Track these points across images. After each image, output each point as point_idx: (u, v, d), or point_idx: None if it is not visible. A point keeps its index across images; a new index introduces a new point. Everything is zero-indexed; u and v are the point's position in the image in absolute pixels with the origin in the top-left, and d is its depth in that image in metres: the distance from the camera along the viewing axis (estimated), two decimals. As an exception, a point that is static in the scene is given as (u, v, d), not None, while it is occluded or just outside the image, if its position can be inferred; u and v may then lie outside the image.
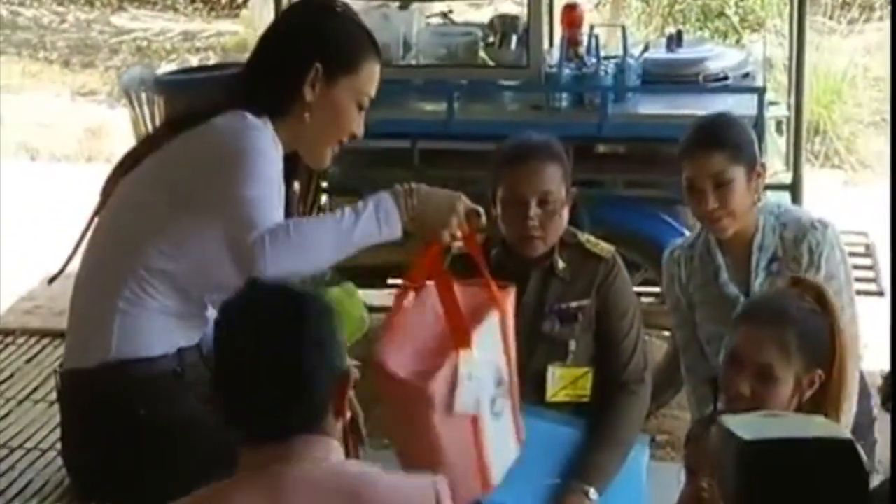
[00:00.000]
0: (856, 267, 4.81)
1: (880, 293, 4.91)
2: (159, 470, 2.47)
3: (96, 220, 2.57)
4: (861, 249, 5.30)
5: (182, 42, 11.35)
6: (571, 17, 4.96)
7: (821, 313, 2.65)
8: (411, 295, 2.56)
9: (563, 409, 3.06)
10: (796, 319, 2.61)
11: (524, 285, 3.06)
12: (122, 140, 6.80)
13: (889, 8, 9.76)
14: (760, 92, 4.67)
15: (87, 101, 10.03)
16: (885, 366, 4.09)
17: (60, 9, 12.35)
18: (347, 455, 2.56)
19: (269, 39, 2.64)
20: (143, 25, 11.84)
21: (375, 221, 2.41)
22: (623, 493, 3.04)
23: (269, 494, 1.95)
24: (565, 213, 3.08)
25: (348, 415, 2.58)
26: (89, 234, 2.57)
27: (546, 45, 5.18)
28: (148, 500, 2.47)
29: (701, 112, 4.46)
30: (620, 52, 4.97)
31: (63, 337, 3.39)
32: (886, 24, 9.80)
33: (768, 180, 4.10)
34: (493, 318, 2.59)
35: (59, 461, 2.78)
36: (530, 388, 2.92)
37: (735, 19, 9.68)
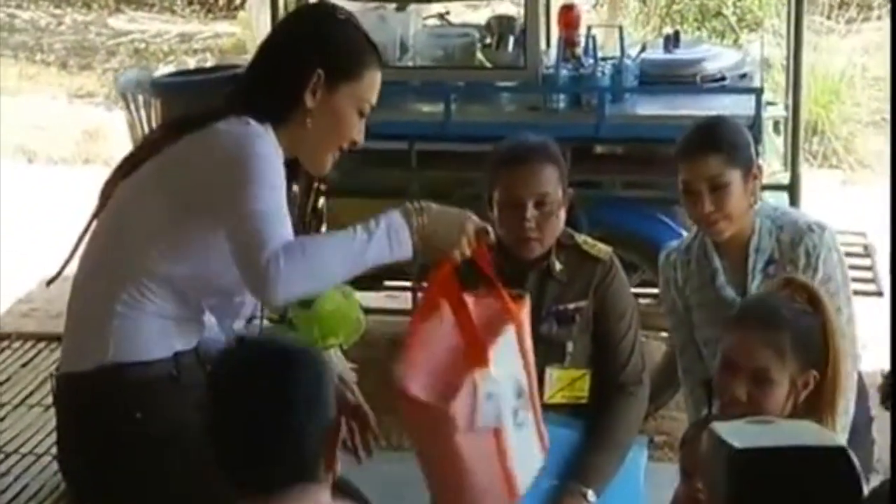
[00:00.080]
0: (854, 267, 4.81)
1: (879, 293, 4.91)
2: (155, 474, 2.47)
3: (95, 223, 2.56)
4: (859, 250, 5.30)
5: (179, 44, 11.34)
6: (568, 17, 4.96)
7: (813, 313, 2.64)
8: (426, 314, 2.57)
9: (561, 410, 3.05)
10: (789, 321, 2.60)
11: (521, 288, 3.05)
12: (120, 142, 6.79)
13: (887, 7, 9.78)
14: (758, 92, 4.67)
15: (85, 104, 10.02)
16: (884, 366, 4.09)
17: (57, 11, 12.34)
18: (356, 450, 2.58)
19: (271, 45, 2.63)
20: (141, 27, 11.83)
21: (387, 241, 2.41)
22: (621, 494, 3.04)
23: None
24: (562, 215, 3.07)
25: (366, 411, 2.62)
26: (87, 237, 2.57)
27: (543, 46, 5.18)
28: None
29: (698, 113, 4.48)
30: (618, 53, 4.97)
31: (59, 341, 3.39)
32: (884, 23, 9.80)
33: (766, 180, 4.11)
34: (509, 332, 2.60)
35: (55, 466, 2.77)
36: (528, 390, 2.91)
37: (733, 19, 9.67)
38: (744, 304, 2.85)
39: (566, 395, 3.06)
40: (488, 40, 5.20)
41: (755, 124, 4.52)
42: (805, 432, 1.90)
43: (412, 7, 5.42)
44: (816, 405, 2.60)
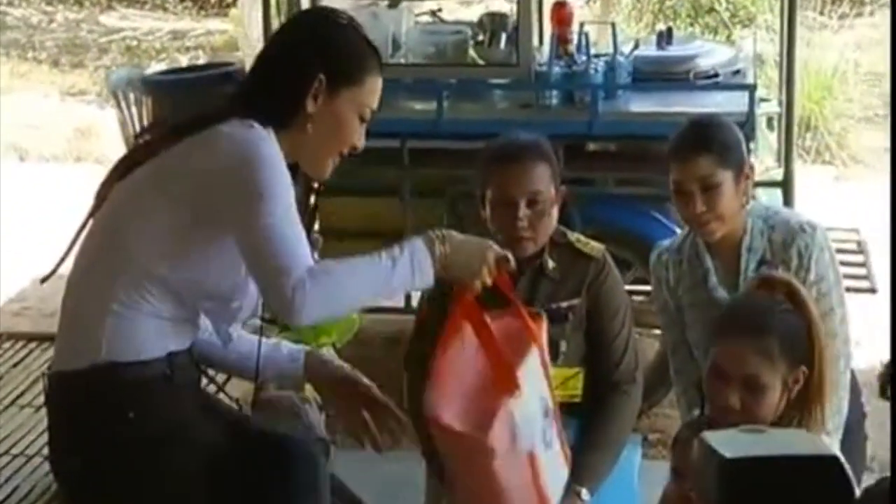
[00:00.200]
0: (847, 264, 4.82)
1: (872, 290, 4.91)
2: (149, 474, 2.45)
3: (91, 222, 2.55)
4: (853, 246, 5.29)
5: (171, 41, 11.32)
6: (561, 14, 4.95)
7: (795, 310, 2.63)
8: (451, 341, 2.58)
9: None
10: (775, 324, 2.59)
11: (514, 286, 3.04)
12: (112, 140, 6.79)
13: (879, 3, 9.78)
14: (751, 89, 4.66)
15: (77, 102, 10.01)
16: (878, 363, 4.10)
17: (49, 8, 12.31)
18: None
19: (272, 50, 2.62)
20: (133, 25, 11.81)
21: (410, 270, 2.43)
22: (615, 492, 3.03)
23: None
24: (555, 213, 3.06)
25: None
26: (83, 235, 2.55)
27: (536, 43, 5.17)
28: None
29: (692, 110, 4.47)
30: (610, 50, 4.96)
31: (51, 341, 3.38)
32: (877, 19, 9.81)
33: (760, 177, 4.10)
34: (533, 353, 2.63)
35: (46, 467, 2.76)
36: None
37: (725, 15, 9.67)
38: (728, 311, 2.82)
39: (560, 393, 3.04)
40: (481, 37, 5.19)
41: (749, 121, 4.51)
42: (798, 441, 1.89)
43: (404, 4, 5.41)
44: (805, 398, 2.60)
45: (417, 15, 5.58)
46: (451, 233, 2.51)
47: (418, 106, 4.92)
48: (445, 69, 5.06)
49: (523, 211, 2.99)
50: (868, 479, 3.38)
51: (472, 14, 6.80)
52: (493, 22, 5.22)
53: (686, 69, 5.01)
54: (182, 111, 5.41)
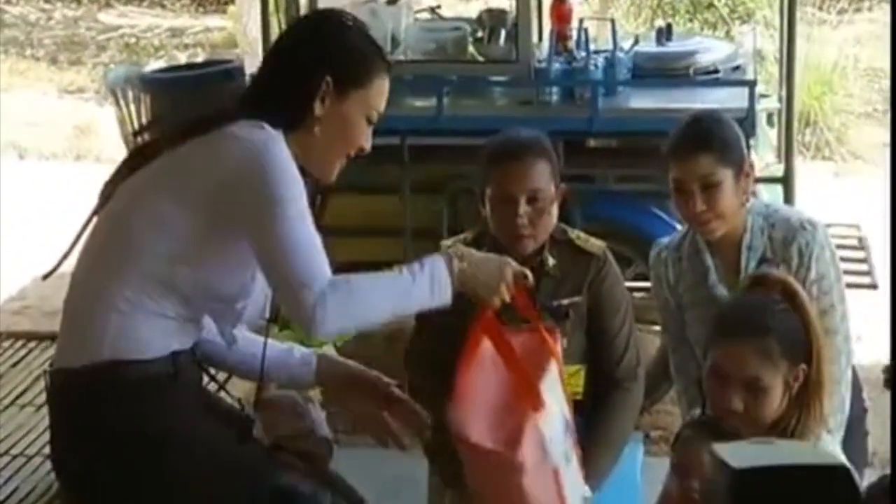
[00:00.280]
0: (848, 260, 4.82)
1: (873, 286, 4.90)
2: (150, 473, 2.45)
3: (95, 219, 2.54)
4: (853, 242, 5.29)
5: (170, 38, 11.31)
6: (560, 10, 4.94)
7: (792, 309, 2.62)
8: (472, 359, 2.59)
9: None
10: (773, 324, 2.58)
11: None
12: (111, 138, 6.77)
13: (879, -2, 9.77)
14: (751, 85, 4.65)
15: (75, 99, 10.00)
16: (880, 359, 4.10)
17: (47, 6, 12.30)
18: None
19: (280, 52, 2.61)
20: (131, 22, 11.80)
21: (429, 288, 2.45)
22: (618, 489, 3.03)
23: None
24: (555, 210, 3.06)
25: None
26: (88, 233, 2.54)
27: (535, 39, 5.16)
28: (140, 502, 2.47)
29: (692, 106, 4.46)
30: (610, 46, 4.95)
31: (51, 339, 3.38)
32: (876, 14, 9.81)
33: (760, 173, 4.09)
34: (552, 368, 2.64)
35: (46, 467, 2.75)
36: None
37: (724, 11, 9.66)
38: (725, 312, 2.81)
39: (575, 391, 3.05)
40: (480, 34, 5.18)
41: (749, 117, 4.51)
42: (805, 451, 1.89)
43: (403, 1, 5.40)
44: (805, 396, 2.59)
45: (416, 12, 5.58)
46: (469, 250, 2.55)
47: (418, 103, 4.91)
48: (445, 66, 5.05)
49: (523, 208, 2.99)
50: (869, 475, 3.40)
51: (472, 10, 6.80)
52: (493, 18, 5.21)
53: (686, 65, 5.01)
54: (181, 109, 5.45)
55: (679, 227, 3.55)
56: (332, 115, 2.51)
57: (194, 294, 2.47)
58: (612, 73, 4.81)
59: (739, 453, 1.77)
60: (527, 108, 4.83)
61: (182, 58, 9.89)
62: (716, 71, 5.03)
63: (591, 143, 4.97)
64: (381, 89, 2.57)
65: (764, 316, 2.60)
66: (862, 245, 5.29)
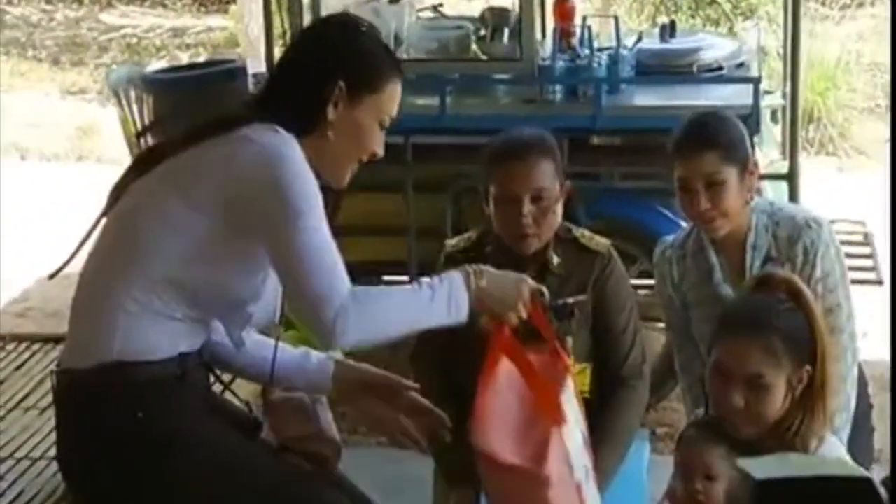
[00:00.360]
0: (854, 256, 4.81)
1: (879, 282, 4.90)
2: (156, 475, 2.44)
3: (105, 219, 2.53)
4: (859, 238, 5.28)
5: (171, 38, 11.31)
6: (563, 8, 4.93)
7: (796, 307, 2.61)
8: (491, 377, 2.60)
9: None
10: (778, 323, 2.57)
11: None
12: (113, 139, 6.77)
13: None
14: (755, 82, 4.64)
15: (77, 100, 10.00)
16: (884, 355, 4.09)
17: (49, 7, 12.30)
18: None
19: (293, 57, 2.62)
20: (133, 22, 11.80)
21: (447, 305, 2.47)
22: (624, 487, 3.02)
23: None
24: (559, 209, 3.05)
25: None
26: (97, 232, 2.54)
27: (538, 37, 5.15)
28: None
29: (696, 103, 4.46)
30: (613, 43, 4.94)
31: (55, 342, 3.37)
32: (878, 9, 9.80)
33: (764, 170, 4.08)
34: (569, 384, 2.65)
35: (51, 470, 2.75)
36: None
37: (727, 7, 9.65)
38: (729, 310, 2.81)
39: (582, 389, 3.04)
40: (483, 32, 5.17)
41: (753, 114, 4.50)
42: (828, 463, 1.90)
43: (406, 0, 5.39)
44: (808, 398, 2.57)
45: (419, 10, 5.57)
46: (486, 268, 2.55)
47: (421, 101, 4.90)
48: (448, 64, 5.05)
49: (527, 207, 2.98)
50: (876, 472, 3.39)
51: (474, 9, 6.78)
52: (496, 16, 5.20)
53: (689, 62, 5.00)
54: (184, 109, 5.45)
55: (683, 224, 3.54)
56: (344, 120, 2.52)
57: (204, 296, 2.47)
58: (615, 71, 4.80)
59: (762, 465, 1.79)
60: (530, 107, 4.82)
61: (184, 58, 9.91)
62: (720, 68, 5.02)
63: (595, 140, 4.96)
64: (393, 94, 2.58)
65: (769, 314, 2.59)
66: (867, 241, 5.28)
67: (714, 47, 5.19)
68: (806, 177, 4.92)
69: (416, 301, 2.46)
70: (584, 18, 4.98)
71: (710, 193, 3.02)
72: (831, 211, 4.99)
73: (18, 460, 2.82)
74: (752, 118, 4.43)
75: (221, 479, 2.47)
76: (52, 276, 2.62)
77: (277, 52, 4.97)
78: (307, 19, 5.08)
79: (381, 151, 2.60)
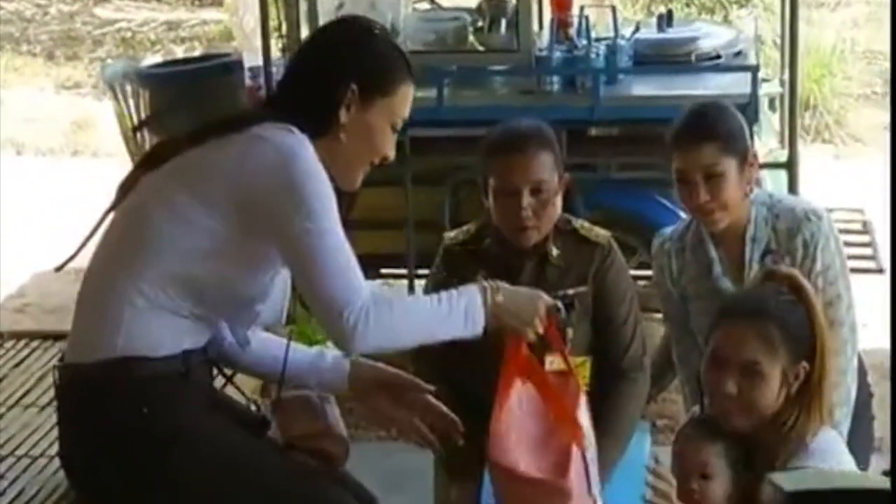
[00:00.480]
0: (853, 244, 4.81)
1: (879, 270, 4.90)
2: (159, 471, 2.44)
3: (112, 214, 2.53)
4: (858, 227, 5.28)
5: (166, 32, 11.27)
6: (560, -2, 4.92)
7: (798, 303, 2.60)
8: (507, 392, 2.62)
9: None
10: (777, 313, 2.57)
11: (518, 275, 3.02)
12: (109, 133, 6.76)
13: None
14: (754, 70, 4.64)
15: (72, 94, 9.98)
16: (884, 344, 4.09)
17: (42, 1, 12.26)
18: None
19: (305, 59, 2.61)
20: (127, 16, 11.76)
21: (463, 319, 2.49)
22: (625, 480, 3.01)
23: None
24: (558, 201, 3.04)
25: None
26: (104, 227, 2.53)
27: (536, 27, 5.14)
28: (148, 501, 2.46)
29: (694, 92, 4.46)
30: (611, 34, 4.93)
31: (54, 339, 3.36)
32: (874, -4, 9.79)
33: (763, 159, 4.08)
34: (582, 402, 2.67)
35: (52, 468, 2.74)
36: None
37: (722, -5, 9.64)
38: (730, 299, 2.82)
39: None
40: (480, 23, 5.16)
41: (752, 102, 4.49)
42: (857, 477, 1.92)
43: (401, -9, 5.38)
44: (805, 394, 2.57)
45: (415, 2, 5.56)
46: (503, 285, 2.57)
47: (418, 93, 4.83)
48: (445, 56, 5.04)
49: (527, 200, 2.97)
50: (876, 461, 3.39)
51: (471, 0, 6.77)
52: (493, 7, 5.19)
53: (687, 51, 5.00)
54: (180, 103, 5.43)
55: (682, 215, 3.54)
56: (356, 123, 2.51)
57: (211, 293, 2.46)
58: (613, 61, 4.80)
59: (792, 478, 1.85)
60: (528, 98, 4.82)
61: (179, 51, 9.89)
62: (717, 57, 5.02)
63: (593, 131, 4.96)
64: (405, 97, 2.58)
65: (768, 303, 2.59)
66: (866, 229, 5.29)
67: (711, 36, 5.19)
68: (803, 165, 4.92)
69: (434, 313, 2.48)
70: (581, 9, 4.98)
71: (710, 186, 3.01)
72: (829, 199, 4.99)
73: (19, 458, 2.82)
74: (750, 107, 4.43)
75: (224, 476, 2.47)
76: (58, 269, 2.62)
77: (273, 45, 4.96)
78: (303, 11, 5.07)
79: (392, 155, 2.60)
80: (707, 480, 2.54)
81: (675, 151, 3.06)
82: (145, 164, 2.55)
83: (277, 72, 4.93)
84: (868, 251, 5.06)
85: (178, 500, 2.47)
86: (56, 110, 9.37)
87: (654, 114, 4.49)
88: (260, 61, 4.99)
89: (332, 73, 2.50)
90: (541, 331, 2.60)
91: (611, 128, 4.99)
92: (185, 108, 5.16)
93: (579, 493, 2.53)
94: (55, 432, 2.68)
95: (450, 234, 3.21)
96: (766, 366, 2.53)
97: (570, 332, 3.03)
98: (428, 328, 2.49)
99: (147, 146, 5.34)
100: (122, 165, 5.53)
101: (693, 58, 4.98)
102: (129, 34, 11.31)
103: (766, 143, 4.96)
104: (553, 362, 2.97)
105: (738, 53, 5.11)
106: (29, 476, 2.72)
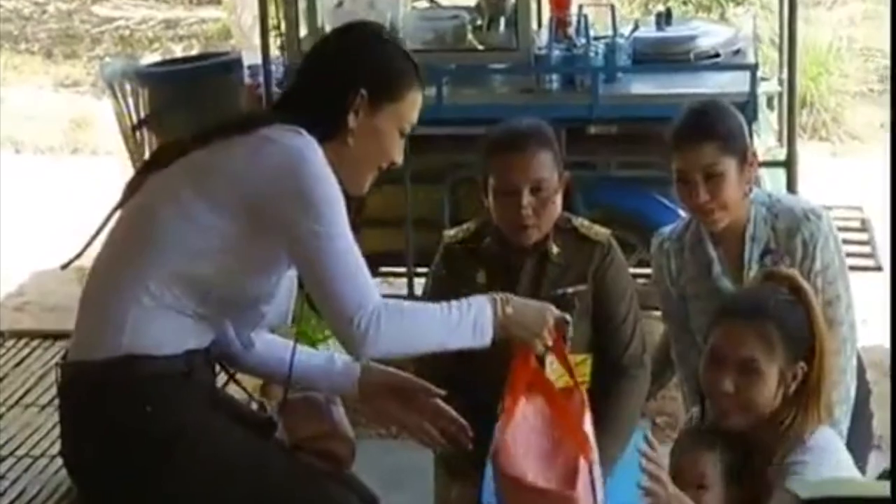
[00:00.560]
0: (852, 242, 4.81)
1: (878, 268, 4.90)
2: (161, 469, 2.44)
3: (119, 212, 2.53)
4: (856, 224, 5.29)
5: (164, 30, 11.27)
6: (559, -3, 4.92)
7: (797, 304, 2.61)
8: (515, 403, 2.64)
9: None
10: (776, 313, 2.57)
11: (518, 273, 3.03)
12: (108, 131, 6.74)
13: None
14: (753, 69, 4.64)
15: (71, 93, 9.97)
16: (883, 341, 4.09)
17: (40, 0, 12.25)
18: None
19: (314, 63, 2.61)
20: (125, 14, 11.75)
21: (472, 329, 2.51)
22: (625, 477, 3.01)
23: None
24: (558, 199, 3.04)
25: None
26: (110, 225, 2.53)
27: (534, 26, 5.14)
28: (150, 499, 2.46)
29: (693, 91, 4.46)
30: (609, 32, 4.93)
31: (54, 338, 3.36)
32: (870, -6, 9.80)
33: (762, 157, 4.08)
34: (587, 417, 2.68)
35: (53, 468, 2.74)
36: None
37: (719, -7, 9.64)
38: (729, 298, 2.82)
39: (568, 381, 3.03)
40: (479, 22, 5.15)
41: (751, 101, 4.50)
42: (871, 485, 1.93)
43: (400, -11, 5.37)
44: (803, 395, 2.58)
45: (414, 0, 5.55)
46: (513, 297, 2.58)
47: (417, 92, 4.88)
48: (444, 55, 5.03)
49: (527, 199, 2.97)
50: (876, 458, 3.40)
51: (469, -2, 6.77)
52: (492, 6, 5.17)
53: (686, 50, 5.00)
54: (180, 102, 5.42)
55: (681, 213, 3.54)
56: (365, 128, 2.52)
57: (216, 293, 2.47)
58: (612, 60, 4.80)
59: (808, 486, 1.88)
60: (527, 96, 4.82)
61: (177, 50, 9.88)
62: (716, 55, 5.02)
63: (592, 129, 4.95)
64: (414, 103, 2.59)
65: (767, 302, 2.60)
66: (864, 227, 5.29)
67: (710, 34, 5.19)
68: (800, 163, 4.92)
69: (444, 322, 2.48)
70: (580, 7, 4.97)
71: (709, 185, 3.01)
72: (826, 196, 5.00)
73: (19, 458, 2.82)
74: (749, 105, 4.44)
75: (225, 475, 2.47)
76: (64, 267, 2.62)
77: (272, 44, 4.96)
78: (302, 9, 5.07)
79: (399, 160, 2.60)
80: (703, 491, 2.55)
81: (675, 151, 3.06)
82: (152, 164, 2.55)
83: (276, 70, 4.94)
84: (866, 249, 5.07)
85: (179, 498, 2.47)
86: (55, 108, 9.36)
87: (652, 112, 4.49)
88: (258, 59, 4.99)
89: (341, 77, 2.51)
90: (550, 343, 2.62)
91: (610, 126, 4.98)
92: (184, 107, 5.16)
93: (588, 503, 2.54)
94: (56, 432, 2.68)
95: (450, 233, 3.21)
96: (764, 364, 2.54)
97: (570, 330, 3.04)
98: (437, 337, 2.50)
99: (146, 145, 5.34)
100: (122, 164, 5.54)
101: (692, 56, 4.97)
102: (127, 32, 11.30)
103: (765, 141, 4.96)
104: (553, 363, 2.99)
105: (737, 52, 5.11)
106: (30, 476, 2.72)
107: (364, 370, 2.71)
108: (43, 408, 3.04)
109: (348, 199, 2.46)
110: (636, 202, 4.67)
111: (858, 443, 3.09)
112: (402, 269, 5.01)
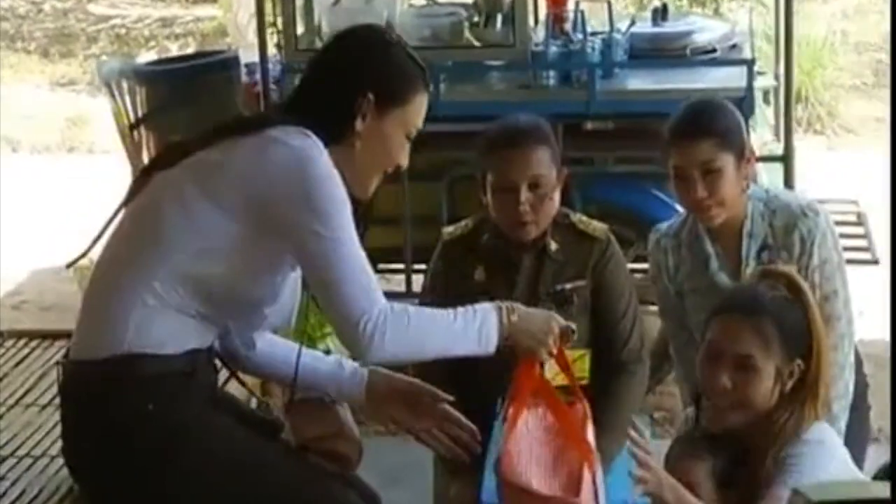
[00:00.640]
0: (848, 236, 4.82)
1: (874, 261, 4.91)
2: (163, 469, 2.44)
3: (123, 211, 2.53)
4: (852, 218, 5.30)
5: (160, 28, 11.26)
6: (556, -7, 4.93)
7: (795, 301, 2.62)
8: (519, 410, 2.63)
9: (562, 392, 3.03)
10: (773, 310, 2.58)
11: (517, 269, 3.04)
12: (104, 130, 6.75)
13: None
14: (749, 64, 4.64)
15: (67, 91, 9.97)
16: (880, 334, 4.10)
17: (36, -2, 12.25)
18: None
19: (321, 67, 2.61)
20: (121, 13, 11.75)
21: (477, 337, 2.51)
22: (624, 473, 3.02)
23: None
24: (556, 196, 3.05)
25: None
26: (114, 224, 2.53)
27: (531, 22, 5.15)
28: (152, 498, 2.47)
29: (689, 86, 4.47)
30: (606, 28, 4.94)
31: (54, 338, 3.35)
32: (865, -13, 9.81)
33: (759, 152, 4.09)
34: (589, 427, 2.68)
35: (53, 468, 2.74)
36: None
37: (714, -12, 9.65)
38: (726, 294, 2.83)
39: (565, 378, 3.04)
40: (476, 18, 5.16)
41: (747, 96, 4.50)
42: (882, 487, 1.93)
43: (397, -14, 5.38)
44: (799, 392, 2.58)
45: (411, -3, 5.56)
46: (518, 306, 2.58)
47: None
48: (441, 51, 5.02)
49: (525, 195, 2.98)
50: (875, 450, 3.41)
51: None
52: (489, 3, 5.18)
53: (683, 45, 5.01)
54: (177, 100, 5.41)
55: (679, 208, 3.54)
56: (371, 131, 2.52)
57: (220, 293, 2.46)
58: (609, 55, 4.82)
59: (819, 488, 1.88)
60: (524, 92, 4.82)
61: (173, 48, 9.88)
62: (713, 50, 5.03)
63: (590, 125, 4.95)
64: (420, 106, 2.58)
65: (764, 299, 2.60)
66: (860, 221, 5.30)
67: (707, 30, 5.20)
68: (796, 156, 4.94)
69: (451, 329, 2.48)
70: (577, 3, 4.98)
71: (707, 182, 3.02)
72: (822, 190, 5.02)
73: (20, 458, 2.81)
74: (746, 100, 4.44)
75: (227, 474, 2.47)
76: (69, 266, 2.62)
77: (269, 41, 4.96)
78: (299, 6, 5.07)
79: (405, 163, 2.60)
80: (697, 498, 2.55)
81: (673, 147, 3.07)
82: (158, 163, 2.55)
83: (273, 68, 4.94)
84: (862, 242, 5.08)
85: (181, 498, 2.47)
86: (51, 107, 9.36)
87: (649, 107, 4.50)
88: (255, 57, 4.99)
89: (348, 81, 2.51)
90: (554, 351, 2.61)
91: (607, 122, 4.98)
92: (181, 105, 5.16)
93: None
94: (56, 432, 2.67)
95: (448, 229, 3.22)
96: (760, 360, 2.54)
97: (573, 336, 3.05)
98: (442, 343, 2.50)
99: (144, 143, 5.34)
100: (119, 162, 5.55)
101: (688, 52, 4.99)
102: (123, 31, 11.30)
103: (762, 136, 4.97)
104: (552, 367, 3.00)
105: (734, 47, 5.12)
106: (30, 476, 2.71)
107: (373, 375, 2.71)
108: (43, 407, 3.03)
109: (354, 202, 2.46)
110: (633, 198, 4.68)
111: (857, 436, 3.10)
112: (401, 266, 5.02)
